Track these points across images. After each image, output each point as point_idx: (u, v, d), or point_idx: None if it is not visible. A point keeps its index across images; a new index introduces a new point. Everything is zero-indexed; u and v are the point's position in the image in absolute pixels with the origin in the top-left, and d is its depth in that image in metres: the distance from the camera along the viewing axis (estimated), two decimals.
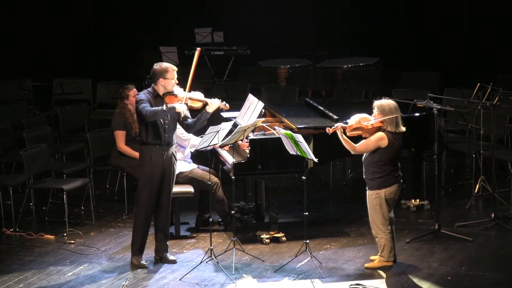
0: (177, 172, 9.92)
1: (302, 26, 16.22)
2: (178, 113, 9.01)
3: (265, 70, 15.30)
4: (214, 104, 9.19)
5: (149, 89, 9.11)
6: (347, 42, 16.12)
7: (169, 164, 9.15)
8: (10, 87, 14.67)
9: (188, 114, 9.27)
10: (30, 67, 15.75)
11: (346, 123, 8.90)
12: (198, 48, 9.35)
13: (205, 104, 9.21)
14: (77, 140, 12.69)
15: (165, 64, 9.11)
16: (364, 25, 16.10)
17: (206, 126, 9.17)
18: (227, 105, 9.36)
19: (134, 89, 10.86)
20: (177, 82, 9.12)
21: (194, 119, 9.23)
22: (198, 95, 9.25)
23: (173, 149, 9.21)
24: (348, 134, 8.84)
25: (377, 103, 8.86)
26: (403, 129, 8.85)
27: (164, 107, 8.88)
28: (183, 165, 10.07)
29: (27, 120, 12.43)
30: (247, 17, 16.23)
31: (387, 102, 8.83)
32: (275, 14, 16.28)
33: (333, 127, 8.82)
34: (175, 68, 9.11)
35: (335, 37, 16.09)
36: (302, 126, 9.87)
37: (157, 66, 9.10)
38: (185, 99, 9.06)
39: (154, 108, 8.88)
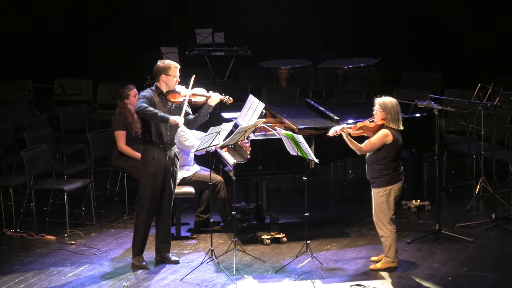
0: (180, 177, 9.96)
1: (303, 27, 16.23)
2: (175, 126, 8.99)
3: (266, 70, 15.30)
4: (215, 97, 9.20)
5: (152, 87, 9.12)
6: (348, 42, 16.12)
7: (171, 164, 9.15)
8: (11, 88, 14.69)
9: (190, 111, 9.26)
10: (30, 68, 15.75)
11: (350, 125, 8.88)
12: (194, 75, 9.26)
13: (208, 98, 9.22)
14: (78, 141, 12.70)
15: (168, 61, 9.11)
16: (364, 26, 16.10)
17: (207, 127, 9.18)
18: (231, 98, 9.35)
19: (135, 89, 10.86)
20: (179, 80, 9.12)
21: (196, 114, 9.23)
22: (201, 90, 9.25)
23: (175, 149, 9.21)
24: (353, 134, 8.84)
25: (378, 100, 8.88)
26: (402, 127, 8.87)
27: (158, 114, 8.83)
28: (186, 170, 10.07)
29: (28, 121, 12.43)
30: (248, 17, 16.23)
31: (389, 100, 8.87)
32: (275, 15, 16.27)
33: (339, 129, 8.80)
34: (178, 66, 9.10)
35: (336, 37, 16.09)
36: (303, 126, 9.87)
37: (160, 62, 9.11)
38: (188, 97, 9.06)
39: (148, 107, 8.85)
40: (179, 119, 8.93)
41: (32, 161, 10.58)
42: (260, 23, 16.16)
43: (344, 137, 8.80)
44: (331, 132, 8.90)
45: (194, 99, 9.18)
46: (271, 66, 15.31)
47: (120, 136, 10.78)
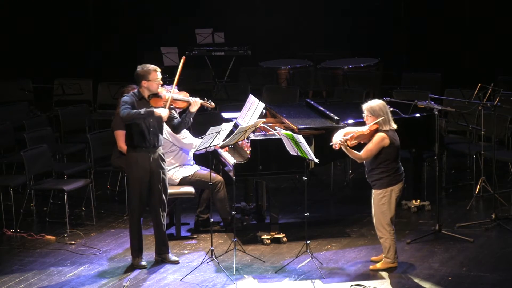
0: (180, 176, 9.96)
1: (303, 27, 16.23)
2: (159, 117, 9.00)
3: (266, 70, 15.30)
4: (196, 103, 9.17)
5: (135, 91, 9.13)
6: (347, 42, 16.12)
7: (156, 166, 9.13)
8: (11, 88, 14.68)
9: (176, 115, 9.25)
10: (31, 68, 15.75)
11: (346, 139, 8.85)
12: (184, 57, 9.30)
13: (190, 104, 9.20)
14: (78, 141, 12.70)
15: (147, 66, 9.08)
16: (364, 26, 16.10)
17: (207, 127, 9.17)
18: (212, 103, 9.34)
19: None
20: (161, 82, 9.12)
21: (179, 120, 9.23)
22: (183, 95, 9.23)
23: (160, 150, 9.18)
24: (350, 145, 8.82)
25: (366, 106, 8.87)
26: (395, 126, 8.87)
27: (142, 111, 8.87)
28: (186, 169, 10.07)
29: (28, 121, 12.43)
30: (248, 17, 16.24)
31: (376, 103, 8.85)
32: (275, 15, 16.28)
33: (338, 143, 8.78)
34: (158, 69, 9.09)
35: (336, 38, 16.09)
36: (303, 126, 9.87)
37: (139, 68, 9.09)
38: (169, 100, 9.05)
39: (131, 111, 8.87)
40: (163, 112, 8.94)
41: (32, 161, 10.58)
42: (260, 23, 16.16)
43: (344, 149, 8.79)
44: (333, 142, 8.85)
45: (175, 105, 9.17)
46: (271, 66, 15.30)
47: (120, 136, 10.74)
